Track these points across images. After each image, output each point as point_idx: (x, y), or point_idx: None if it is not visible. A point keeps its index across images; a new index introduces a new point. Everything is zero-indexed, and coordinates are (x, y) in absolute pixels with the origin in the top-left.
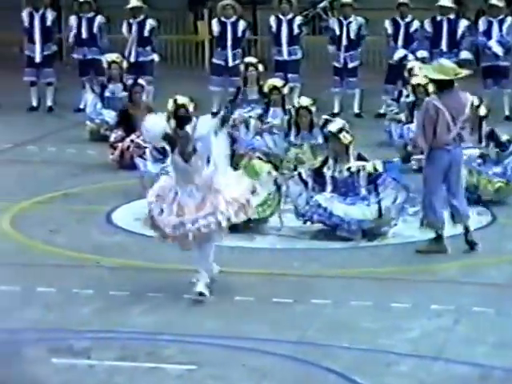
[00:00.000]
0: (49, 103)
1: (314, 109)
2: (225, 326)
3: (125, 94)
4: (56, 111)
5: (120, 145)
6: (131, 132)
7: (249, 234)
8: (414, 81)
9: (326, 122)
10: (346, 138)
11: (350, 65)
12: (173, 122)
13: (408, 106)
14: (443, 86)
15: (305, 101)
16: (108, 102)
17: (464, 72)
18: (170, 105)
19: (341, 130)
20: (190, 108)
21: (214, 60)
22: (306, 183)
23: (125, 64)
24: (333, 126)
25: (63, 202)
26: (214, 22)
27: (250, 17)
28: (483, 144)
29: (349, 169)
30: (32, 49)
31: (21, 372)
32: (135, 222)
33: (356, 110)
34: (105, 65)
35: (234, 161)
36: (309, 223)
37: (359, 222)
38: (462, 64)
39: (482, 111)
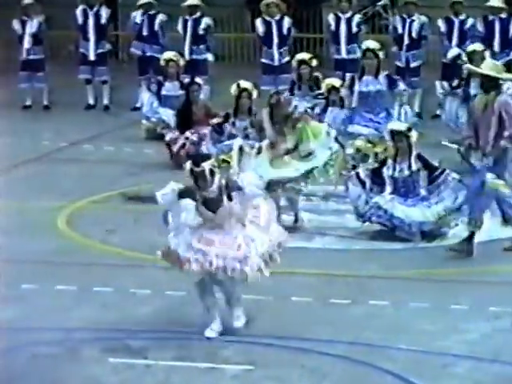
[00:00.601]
0: (105, 102)
1: (381, 54)
2: (282, 326)
3: (181, 92)
4: (112, 110)
5: (176, 145)
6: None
7: (307, 234)
8: (469, 48)
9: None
10: (414, 136)
11: (412, 64)
12: (188, 163)
13: (465, 77)
14: (496, 85)
15: (372, 43)
16: (165, 100)
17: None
18: (234, 88)
19: (410, 129)
20: (254, 94)
21: (263, 59)
22: (363, 183)
23: (182, 62)
24: (400, 125)
25: (120, 202)
26: (259, 21)
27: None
28: None
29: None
30: (86, 46)
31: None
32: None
33: (416, 110)
34: (162, 63)
35: (291, 124)
36: (367, 223)
37: (420, 223)
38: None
39: None
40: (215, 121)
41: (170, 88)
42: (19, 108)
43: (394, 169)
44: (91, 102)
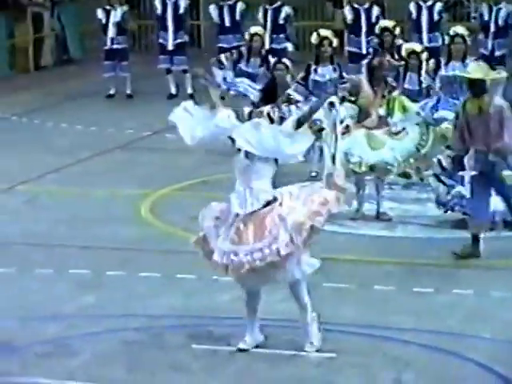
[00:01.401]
0: (189, 91)
1: (469, 40)
2: (364, 314)
3: (261, 70)
4: (196, 98)
5: None
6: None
7: (390, 223)
8: None
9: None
10: None
11: (497, 53)
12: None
13: None
14: (485, 88)
15: (460, 29)
16: (241, 75)
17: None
18: (314, 37)
19: None
20: (334, 42)
21: (349, 48)
22: (445, 170)
23: (267, 37)
24: None
25: (202, 190)
26: (347, 9)
27: None
28: None
29: None
30: (164, 36)
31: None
32: None
33: None
34: (246, 37)
35: (387, 89)
36: (449, 212)
37: (503, 213)
38: None
39: None
40: (299, 76)
41: (251, 64)
42: (103, 97)
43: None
44: (173, 91)
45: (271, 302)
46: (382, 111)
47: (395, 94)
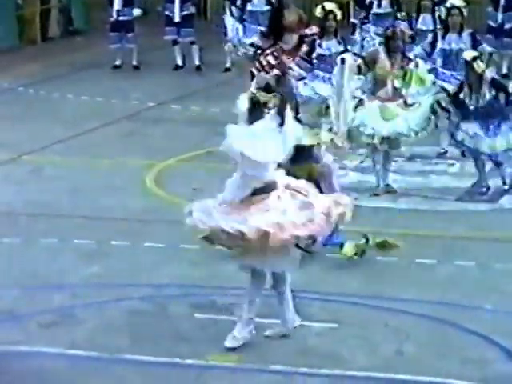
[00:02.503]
0: (196, 62)
1: (465, 12)
2: (367, 285)
3: (268, 7)
4: (202, 70)
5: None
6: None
7: (394, 195)
8: None
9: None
10: (479, 66)
11: (507, 25)
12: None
13: None
14: None
15: (457, 1)
16: (250, 16)
17: None
18: (318, 11)
19: (475, 58)
20: (338, 15)
21: (354, 20)
22: (448, 111)
23: None
24: (468, 54)
25: (207, 161)
26: None
27: None
28: None
29: None
30: (171, 9)
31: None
32: None
33: (504, 71)
34: None
35: (405, 61)
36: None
37: (504, 151)
38: None
39: None
40: (303, 50)
41: (256, 4)
42: (109, 68)
43: (471, 98)
44: (179, 62)
45: None
46: (397, 83)
47: (411, 66)
